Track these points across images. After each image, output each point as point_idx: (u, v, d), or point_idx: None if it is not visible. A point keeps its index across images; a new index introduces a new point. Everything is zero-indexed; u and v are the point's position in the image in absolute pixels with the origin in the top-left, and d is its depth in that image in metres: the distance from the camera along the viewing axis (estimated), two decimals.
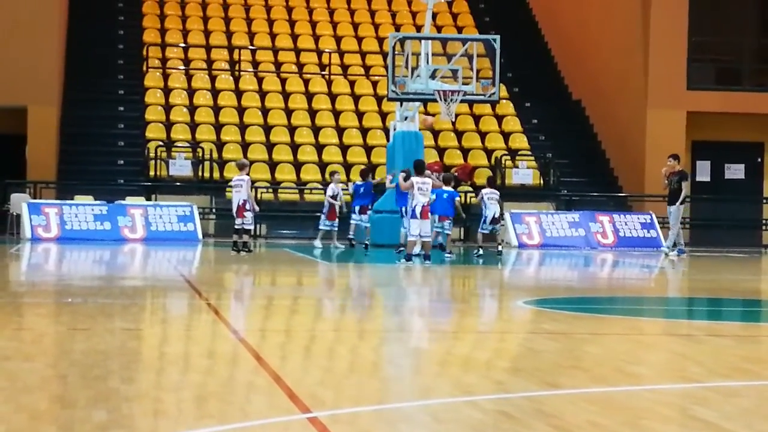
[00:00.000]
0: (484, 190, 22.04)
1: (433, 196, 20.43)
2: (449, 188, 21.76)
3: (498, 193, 22.11)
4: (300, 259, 21.41)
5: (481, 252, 21.68)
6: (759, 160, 30.40)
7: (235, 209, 21.31)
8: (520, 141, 30.71)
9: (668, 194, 23.84)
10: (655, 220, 27.03)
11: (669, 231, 24.01)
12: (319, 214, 28.10)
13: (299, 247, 24.22)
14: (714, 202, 28.20)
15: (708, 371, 8.66)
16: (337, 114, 31.03)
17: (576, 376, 8.30)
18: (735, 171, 30.36)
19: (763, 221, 29.18)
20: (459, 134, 30.78)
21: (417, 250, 20.06)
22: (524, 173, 28.97)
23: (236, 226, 21.42)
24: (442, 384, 7.94)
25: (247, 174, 21.50)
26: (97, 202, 25.86)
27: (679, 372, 8.71)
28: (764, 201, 29.43)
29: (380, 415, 6.75)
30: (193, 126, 29.92)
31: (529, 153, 30.13)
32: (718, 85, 30.35)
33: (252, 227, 21.82)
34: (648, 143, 29.11)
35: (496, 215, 21.78)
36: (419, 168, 19.63)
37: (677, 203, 23.39)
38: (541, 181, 29.22)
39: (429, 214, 19.52)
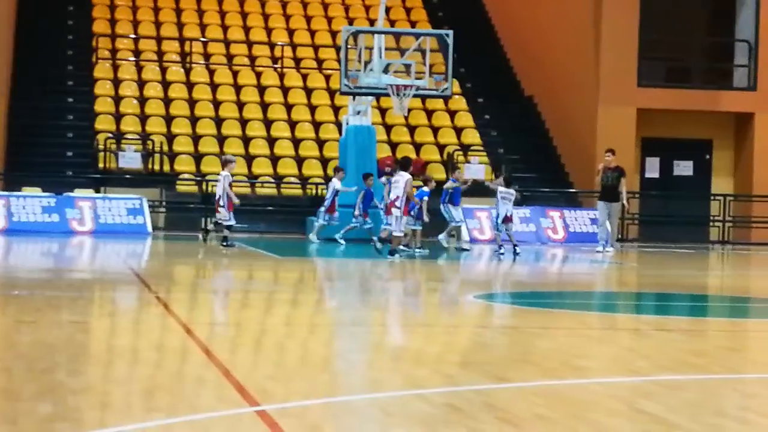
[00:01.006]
0: (499, 189, 21.80)
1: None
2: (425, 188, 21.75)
3: (513, 193, 21.84)
4: (251, 252, 21.35)
5: (502, 251, 21.47)
6: (707, 157, 30.67)
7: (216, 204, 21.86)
8: (472, 136, 30.79)
9: (602, 189, 23.62)
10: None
11: (603, 227, 23.76)
12: (270, 208, 28.07)
13: (250, 241, 24.14)
14: (663, 198, 28.41)
15: (654, 365, 8.74)
16: (289, 107, 30.96)
17: (524, 370, 8.34)
18: (684, 168, 30.62)
19: (711, 218, 29.46)
20: (411, 129, 30.81)
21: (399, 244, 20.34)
22: (476, 168, 29.04)
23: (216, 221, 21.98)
24: (392, 377, 7.96)
25: (229, 170, 21.98)
26: (46, 194, 25.63)
27: (626, 366, 8.79)
28: (712, 198, 29.70)
29: (329, 408, 6.76)
30: (143, 118, 29.73)
31: (481, 148, 30.22)
32: (668, 83, 30.58)
33: (229, 222, 21.85)
34: (599, 140, 29.26)
35: (509, 214, 21.63)
36: (405, 165, 20.11)
37: (621, 201, 23.32)
38: (493, 177, 29.29)
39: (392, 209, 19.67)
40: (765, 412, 6.88)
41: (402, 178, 19.75)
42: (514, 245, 21.25)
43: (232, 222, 21.87)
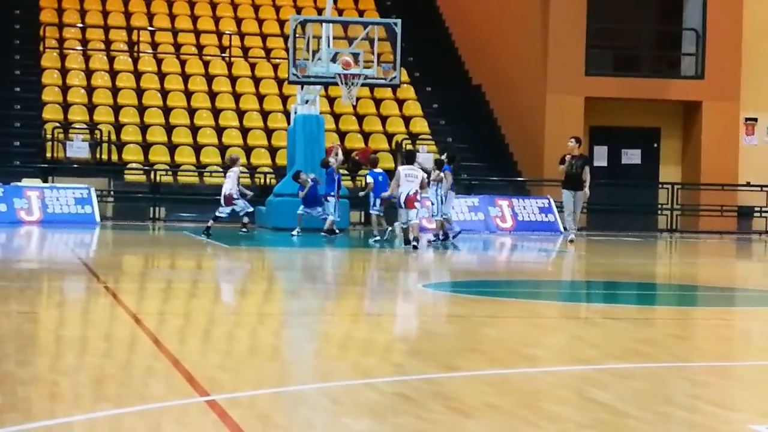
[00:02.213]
0: (401, 167, 21.78)
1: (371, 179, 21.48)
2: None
3: (419, 173, 21.79)
4: (199, 242, 21.25)
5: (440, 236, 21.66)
6: (655, 145, 30.91)
7: (222, 198, 22.31)
8: (420, 125, 30.82)
9: (566, 178, 22.96)
10: (553, 204, 27.33)
11: (571, 215, 23.37)
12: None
13: (198, 230, 24.02)
14: (611, 186, 28.56)
15: (603, 353, 8.80)
16: (237, 97, 30.82)
17: (474, 359, 8.36)
18: (632, 156, 30.83)
19: (659, 206, 29.70)
20: (360, 118, 30.79)
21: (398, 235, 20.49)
22: (424, 157, 29.05)
23: (217, 214, 22.23)
24: (342, 367, 7.95)
25: (238, 166, 22.72)
26: None
27: (576, 354, 8.83)
28: (660, 186, 29.94)
29: (279, 397, 6.74)
30: (91, 107, 29.48)
31: (430, 137, 30.25)
32: (616, 72, 30.77)
33: (249, 209, 22.67)
34: (547, 128, 29.41)
35: (411, 194, 21.62)
36: (411, 158, 20.46)
37: (585, 189, 22.52)
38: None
39: (414, 203, 19.73)
40: (713, 401, 6.95)
41: (405, 171, 19.91)
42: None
43: (250, 208, 22.67)
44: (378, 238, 20.84)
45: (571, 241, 22.63)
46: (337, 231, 22.29)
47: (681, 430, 6.21)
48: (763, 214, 29.35)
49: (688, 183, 29.94)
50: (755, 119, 30.53)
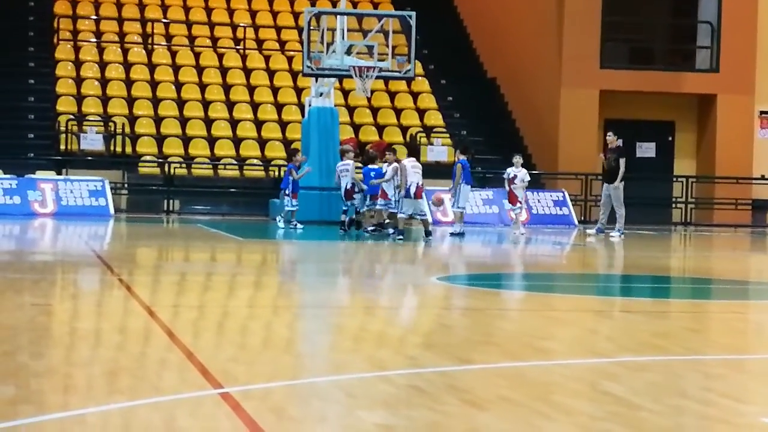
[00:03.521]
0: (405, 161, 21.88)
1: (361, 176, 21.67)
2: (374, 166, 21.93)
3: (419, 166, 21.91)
4: (214, 234, 21.27)
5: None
6: (670, 138, 30.82)
7: (343, 192, 21.81)
8: (435, 118, 30.78)
9: (603, 172, 23.57)
10: (568, 198, 27.29)
11: (600, 210, 23.71)
12: (232, 190, 28.06)
13: (213, 223, 24.06)
14: (626, 180, 28.44)
15: (618, 346, 8.79)
16: (251, 89, 30.83)
17: (487, 352, 8.36)
18: (646, 149, 30.75)
19: (674, 199, 29.63)
20: (374, 111, 30.77)
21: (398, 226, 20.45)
22: (439, 150, 29.05)
23: (344, 208, 21.78)
24: (355, 359, 7.95)
25: (351, 159, 22.07)
26: (7, 176, 25.43)
27: (589, 347, 8.82)
28: (674, 179, 29.86)
29: (293, 390, 6.75)
30: (105, 100, 29.52)
31: (444, 130, 30.22)
32: (630, 65, 30.68)
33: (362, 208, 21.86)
34: (561, 122, 29.36)
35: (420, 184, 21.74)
36: (413, 151, 20.43)
37: (617, 181, 22.93)
38: (456, 159, 29.31)
39: (423, 194, 20.21)
40: (727, 393, 6.93)
41: (410, 163, 20.05)
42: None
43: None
44: (392, 232, 20.75)
45: (612, 237, 22.52)
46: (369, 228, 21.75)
47: (694, 422, 6.20)
48: None
49: (702, 176, 29.86)
50: None
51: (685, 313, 11.57)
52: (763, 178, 29.47)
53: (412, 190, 20.06)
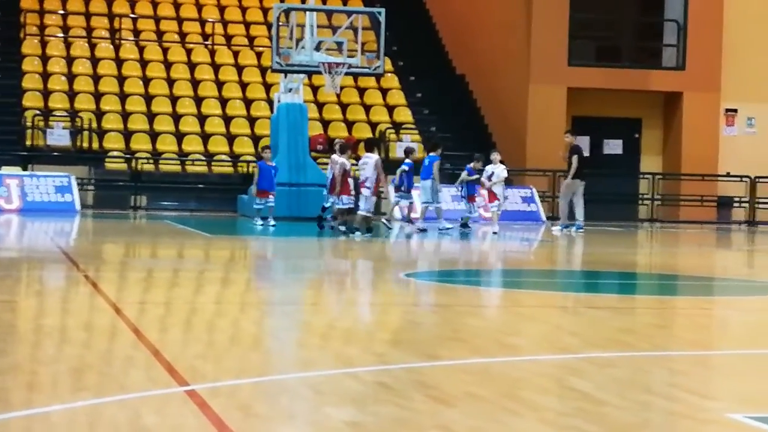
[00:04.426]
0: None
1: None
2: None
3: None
4: (181, 231, 21.21)
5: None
6: (636, 136, 30.96)
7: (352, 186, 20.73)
8: (404, 114, 30.80)
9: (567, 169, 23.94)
10: (536, 194, 27.37)
11: (563, 208, 23.97)
12: (200, 186, 27.92)
13: (180, 219, 23.98)
14: (592, 176, 28.55)
15: (584, 342, 8.83)
16: (220, 85, 30.74)
17: (455, 348, 8.38)
18: (613, 146, 30.87)
19: (640, 196, 29.77)
20: (343, 107, 30.74)
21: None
22: (409, 147, 29.02)
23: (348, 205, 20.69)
24: (323, 356, 7.96)
25: (347, 156, 20.91)
26: None
27: (556, 343, 8.86)
28: (641, 176, 30.00)
29: (260, 387, 6.74)
30: (72, 95, 29.36)
31: (413, 126, 30.24)
32: (598, 62, 30.79)
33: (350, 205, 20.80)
34: (529, 118, 29.44)
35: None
36: (371, 146, 20.61)
37: (569, 178, 23.26)
38: (425, 155, 29.33)
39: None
40: (692, 389, 6.98)
41: (371, 159, 19.89)
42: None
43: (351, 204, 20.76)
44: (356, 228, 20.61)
45: (557, 230, 22.89)
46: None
47: (659, 418, 6.24)
48: (743, 205, 29.44)
49: (668, 173, 30.01)
50: (735, 110, 30.61)
51: (650, 309, 11.64)
52: (728, 175, 29.66)
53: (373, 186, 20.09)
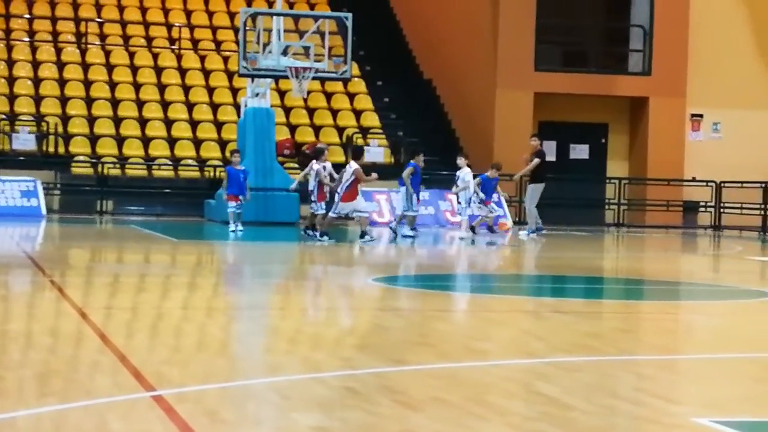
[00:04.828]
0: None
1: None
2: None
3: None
4: (148, 235, 21.12)
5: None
6: (603, 140, 31.10)
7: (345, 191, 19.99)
8: (371, 119, 30.81)
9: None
10: (503, 199, 27.41)
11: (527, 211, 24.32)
12: (167, 191, 27.80)
13: (147, 224, 23.89)
14: (559, 181, 28.70)
15: (551, 347, 8.85)
16: (187, 89, 30.65)
17: (422, 353, 8.39)
18: (580, 151, 31.01)
19: (606, 201, 29.90)
20: (311, 111, 30.73)
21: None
22: (375, 151, 29.09)
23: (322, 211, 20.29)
24: (290, 361, 7.95)
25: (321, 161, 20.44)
26: None
27: (523, 348, 8.89)
28: (607, 181, 30.14)
29: (227, 392, 6.72)
30: (38, 99, 29.20)
31: (381, 131, 30.26)
32: (564, 67, 30.92)
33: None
34: (496, 123, 29.52)
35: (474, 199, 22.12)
36: (357, 155, 20.32)
37: (516, 175, 23.91)
38: (392, 160, 29.40)
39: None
40: (657, 394, 7.02)
41: (350, 167, 19.74)
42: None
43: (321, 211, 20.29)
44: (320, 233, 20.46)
45: (527, 236, 22.99)
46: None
47: (625, 422, 6.27)
48: (708, 209, 29.64)
49: (634, 178, 30.17)
50: (701, 115, 30.83)
51: (617, 314, 11.69)
52: (694, 180, 29.85)
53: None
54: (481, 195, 22.55)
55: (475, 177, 22.44)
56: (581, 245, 22.90)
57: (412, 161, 22.30)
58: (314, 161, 20.61)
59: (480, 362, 8.01)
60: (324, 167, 20.36)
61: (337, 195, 20.03)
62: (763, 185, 27.89)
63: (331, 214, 19.95)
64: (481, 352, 8.54)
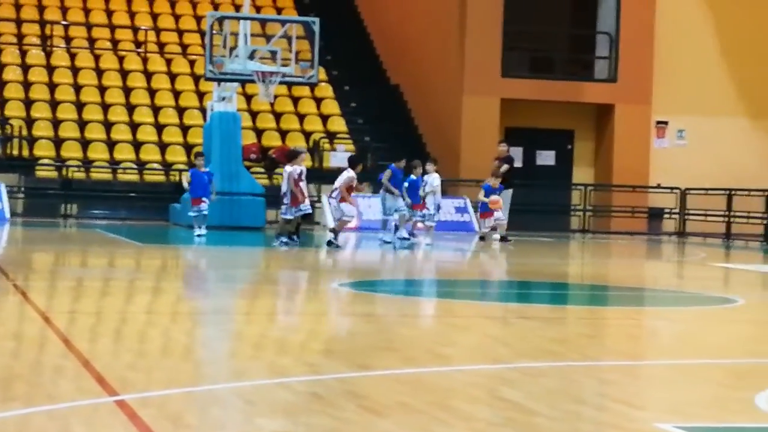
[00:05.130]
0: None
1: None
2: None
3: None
4: (112, 239, 21.02)
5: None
6: (569, 147, 31.23)
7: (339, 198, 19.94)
8: (338, 124, 30.81)
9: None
10: (469, 205, 27.49)
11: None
12: (132, 195, 27.67)
13: (111, 228, 23.77)
14: (525, 187, 28.79)
15: (515, 352, 8.88)
16: (152, 92, 30.54)
17: (387, 358, 8.39)
18: (546, 157, 31.12)
19: (572, 207, 30.02)
20: (277, 116, 30.68)
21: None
22: (342, 156, 29.02)
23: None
24: (256, 366, 7.93)
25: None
26: None
27: (488, 353, 8.90)
28: (573, 187, 30.26)
29: (191, 397, 6.70)
30: (2, 102, 29.01)
31: (348, 136, 30.26)
32: (531, 74, 31.03)
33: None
34: (463, 129, 29.58)
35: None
36: (354, 162, 20.13)
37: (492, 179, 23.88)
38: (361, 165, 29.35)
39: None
40: (621, 399, 7.05)
41: (344, 174, 19.70)
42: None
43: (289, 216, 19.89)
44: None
45: (482, 238, 23.11)
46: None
47: (589, 428, 6.29)
48: (673, 216, 29.81)
49: (600, 184, 30.31)
50: (666, 122, 31.02)
51: (581, 320, 11.74)
52: (659, 186, 30.01)
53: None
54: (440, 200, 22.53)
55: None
56: (547, 251, 22.97)
57: (396, 166, 21.98)
58: (288, 164, 20.31)
59: (445, 367, 8.02)
60: (297, 170, 20.12)
61: (332, 200, 19.91)
62: (728, 192, 28.08)
63: (333, 220, 19.85)
64: (447, 358, 8.55)
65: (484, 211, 22.71)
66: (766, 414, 6.68)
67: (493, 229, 22.79)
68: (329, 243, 19.61)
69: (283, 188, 19.95)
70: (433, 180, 22.12)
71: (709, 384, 7.80)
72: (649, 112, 30.57)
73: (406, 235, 21.44)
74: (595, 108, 30.87)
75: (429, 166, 22.45)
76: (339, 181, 19.79)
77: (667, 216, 30.05)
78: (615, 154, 30.30)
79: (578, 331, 10.67)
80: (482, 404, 6.80)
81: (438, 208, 22.25)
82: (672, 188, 29.57)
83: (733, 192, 28.01)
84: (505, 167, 23.59)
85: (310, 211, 20.32)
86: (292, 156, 20.44)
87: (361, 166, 20.84)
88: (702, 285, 16.12)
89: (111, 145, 28.57)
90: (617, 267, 20.40)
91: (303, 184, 19.93)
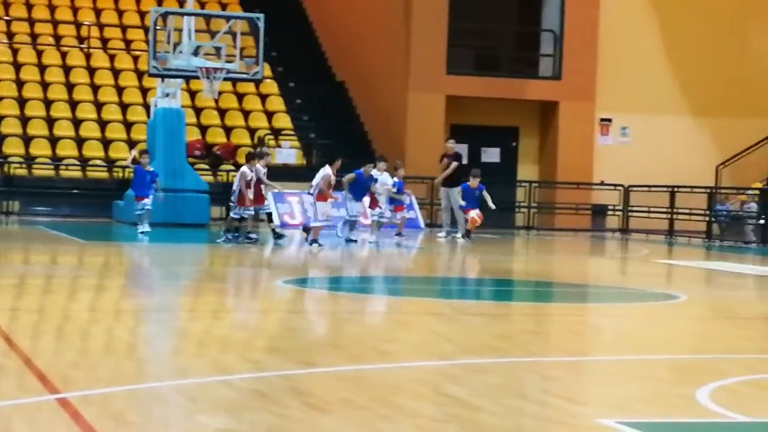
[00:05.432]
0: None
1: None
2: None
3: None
4: (54, 236, 20.83)
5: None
6: (514, 144, 31.36)
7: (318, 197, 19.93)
8: (283, 121, 30.73)
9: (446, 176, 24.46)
10: (414, 202, 27.51)
11: (443, 215, 24.64)
12: (74, 191, 27.41)
13: (54, 225, 23.55)
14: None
15: (459, 349, 8.91)
16: (95, 88, 30.28)
17: (332, 355, 8.39)
18: (491, 154, 31.22)
19: (517, 204, 30.16)
20: (222, 112, 30.55)
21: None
22: (287, 153, 29.01)
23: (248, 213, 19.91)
24: (199, 364, 7.89)
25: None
26: None
27: (433, 350, 8.93)
28: (518, 184, 30.39)
29: (133, 395, 6.66)
30: None
31: (293, 133, 30.19)
32: (476, 71, 31.12)
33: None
34: (408, 126, 29.61)
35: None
36: (331, 160, 20.22)
37: (438, 179, 24.21)
38: (304, 161, 29.35)
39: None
40: (563, 395, 7.09)
41: (321, 171, 19.64)
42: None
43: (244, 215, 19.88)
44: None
45: (440, 236, 23.27)
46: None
47: (531, 423, 6.33)
48: (617, 213, 30.04)
49: (544, 181, 30.47)
50: (610, 120, 31.24)
51: (525, 316, 11.80)
52: (602, 183, 30.23)
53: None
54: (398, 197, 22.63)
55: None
56: (492, 248, 23.07)
57: (359, 170, 21.88)
58: (246, 164, 20.16)
59: (389, 364, 8.03)
60: (256, 171, 19.89)
61: (311, 197, 19.93)
62: (670, 189, 28.34)
63: (314, 222, 19.87)
64: (391, 354, 8.57)
65: (466, 209, 23.07)
66: (707, 409, 6.75)
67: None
68: (277, 236, 19.81)
69: (234, 186, 20.04)
70: (387, 179, 22.18)
71: (650, 380, 7.88)
72: (593, 110, 30.77)
73: (354, 238, 21.55)
74: (539, 105, 31.03)
75: (380, 165, 22.43)
76: (317, 179, 19.80)
77: (610, 213, 30.28)
78: (559, 151, 30.47)
79: (522, 327, 10.73)
80: (426, 401, 6.82)
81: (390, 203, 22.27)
82: (615, 185, 29.79)
83: (675, 189, 28.26)
84: (454, 165, 23.77)
85: (253, 213, 20.17)
86: (254, 156, 20.43)
87: (339, 162, 20.67)
88: (645, 281, 16.26)
89: (54, 141, 28.29)
90: (561, 264, 20.53)
91: (263, 187, 19.95)
